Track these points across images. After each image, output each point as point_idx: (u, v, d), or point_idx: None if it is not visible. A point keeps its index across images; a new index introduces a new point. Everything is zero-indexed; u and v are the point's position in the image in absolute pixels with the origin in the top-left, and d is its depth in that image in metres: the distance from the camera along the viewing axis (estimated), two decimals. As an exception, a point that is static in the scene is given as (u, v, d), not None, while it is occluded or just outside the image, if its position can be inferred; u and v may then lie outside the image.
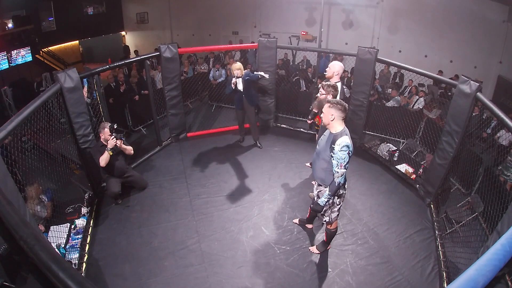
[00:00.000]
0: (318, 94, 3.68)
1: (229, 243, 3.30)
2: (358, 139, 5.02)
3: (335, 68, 3.85)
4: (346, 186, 2.72)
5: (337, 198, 2.71)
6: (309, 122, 4.27)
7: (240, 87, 4.56)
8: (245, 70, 4.61)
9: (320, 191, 2.75)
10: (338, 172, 2.47)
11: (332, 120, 2.49)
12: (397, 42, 10.05)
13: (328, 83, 3.59)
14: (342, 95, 3.92)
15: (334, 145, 2.43)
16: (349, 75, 7.82)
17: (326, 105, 2.53)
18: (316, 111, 4.16)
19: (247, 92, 4.62)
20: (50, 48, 11.78)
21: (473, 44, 8.84)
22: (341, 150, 2.40)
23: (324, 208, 2.76)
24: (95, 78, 4.34)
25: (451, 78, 7.24)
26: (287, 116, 6.13)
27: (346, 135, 2.46)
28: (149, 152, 4.89)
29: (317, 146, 2.75)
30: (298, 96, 6.20)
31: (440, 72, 8.81)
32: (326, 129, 2.68)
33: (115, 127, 3.62)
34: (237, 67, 4.48)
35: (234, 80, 4.48)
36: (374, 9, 10.08)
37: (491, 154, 5.54)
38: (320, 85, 3.67)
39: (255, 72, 4.88)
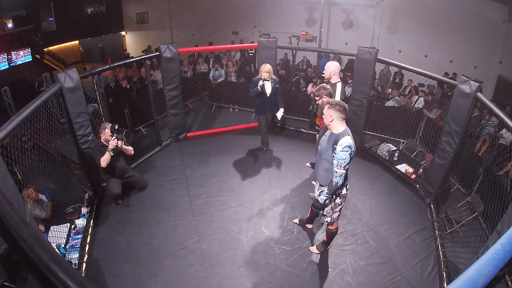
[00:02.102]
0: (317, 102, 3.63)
1: (229, 243, 3.30)
2: (358, 139, 5.02)
3: (330, 69, 3.85)
4: (348, 186, 2.71)
5: (339, 199, 2.70)
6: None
7: (268, 90, 4.36)
8: (275, 77, 4.40)
9: (322, 191, 2.73)
10: (337, 172, 2.46)
11: (331, 121, 2.48)
12: (397, 42, 10.06)
13: (316, 88, 3.47)
14: (343, 96, 3.90)
15: (336, 145, 2.42)
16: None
17: (326, 106, 2.53)
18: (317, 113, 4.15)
19: (271, 99, 4.44)
20: (50, 48, 11.78)
21: (473, 44, 8.85)
22: (343, 151, 2.39)
23: (326, 209, 2.75)
24: (95, 78, 4.35)
25: (450, 78, 7.26)
26: (287, 116, 6.12)
27: (348, 135, 2.45)
28: (149, 152, 4.89)
29: (319, 146, 2.75)
30: (298, 96, 6.20)
31: (446, 74, 8.81)
32: (327, 129, 2.67)
33: (116, 127, 3.62)
34: (266, 70, 4.27)
35: (261, 82, 4.28)
36: (374, 9, 10.09)
37: (491, 154, 5.54)
38: (311, 95, 3.61)
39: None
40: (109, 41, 14.12)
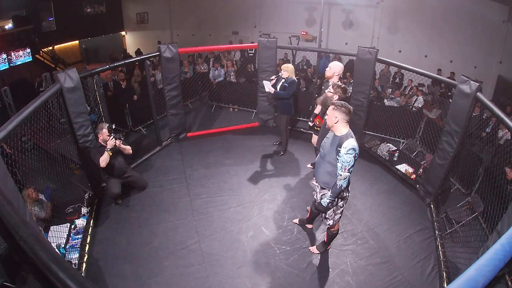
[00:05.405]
0: (327, 91, 3.64)
1: (229, 243, 3.30)
2: (358, 139, 4.99)
3: (336, 69, 3.83)
4: (349, 188, 2.69)
5: (341, 201, 2.68)
6: (311, 124, 4.24)
7: (277, 87, 4.39)
8: (292, 77, 4.34)
9: (324, 194, 2.70)
10: (341, 175, 2.43)
11: (336, 123, 2.45)
12: (397, 42, 10.06)
13: (339, 83, 3.53)
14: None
15: (340, 148, 2.39)
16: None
17: (331, 107, 2.49)
18: (317, 113, 4.16)
19: (281, 100, 4.46)
20: (50, 48, 11.78)
21: (473, 44, 8.85)
22: (347, 154, 2.36)
23: (329, 212, 2.73)
24: (95, 78, 4.34)
25: (448, 77, 7.26)
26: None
27: (352, 137, 2.42)
28: (149, 152, 4.89)
29: (321, 149, 2.71)
30: (298, 96, 6.19)
31: (439, 71, 8.81)
32: (327, 130, 2.65)
33: (113, 127, 3.62)
34: (285, 69, 4.34)
35: (273, 77, 4.46)
36: (374, 9, 10.09)
37: (491, 154, 5.54)
38: (331, 83, 3.63)
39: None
40: (110, 41, 14.08)
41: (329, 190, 2.64)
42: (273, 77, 4.53)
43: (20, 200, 2.17)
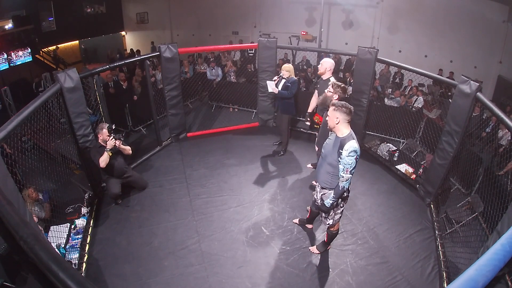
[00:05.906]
0: (326, 90, 3.64)
1: (229, 243, 3.30)
2: (358, 139, 4.99)
3: (327, 65, 3.91)
4: (349, 188, 2.69)
5: (341, 201, 2.69)
6: (308, 123, 4.26)
7: (279, 87, 4.40)
8: (293, 77, 4.38)
9: (324, 194, 2.71)
10: (343, 177, 2.43)
11: (337, 124, 2.45)
12: (397, 42, 10.06)
13: (338, 83, 3.54)
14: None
15: (342, 150, 2.39)
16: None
17: (331, 108, 2.48)
18: (311, 111, 4.19)
19: (283, 99, 4.46)
20: (50, 48, 11.78)
21: (473, 44, 8.85)
22: (349, 156, 2.35)
23: (329, 212, 2.74)
24: (95, 78, 4.34)
25: (447, 77, 7.26)
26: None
27: (353, 139, 2.41)
28: (149, 152, 4.89)
29: (322, 150, 2.72)
30: (298, 96, 6.19)
31: (440, 71, 8.82)
32: (327, 127, 2.65)
33: (113, 127, 3.62)
34: (286, 69, 4.36)
35: (276, 77, 4.47)
36: (374, 9, 10.09)
37: (491, 154, 5.54)
38: (330, 83, 3.64)
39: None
40: (110, 41, 14.08)
41: (329, 190, 2.64)
42: (275, 77, 4.53)
43: (20, 200, 2.17)
